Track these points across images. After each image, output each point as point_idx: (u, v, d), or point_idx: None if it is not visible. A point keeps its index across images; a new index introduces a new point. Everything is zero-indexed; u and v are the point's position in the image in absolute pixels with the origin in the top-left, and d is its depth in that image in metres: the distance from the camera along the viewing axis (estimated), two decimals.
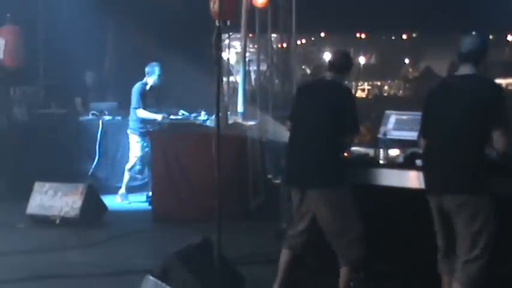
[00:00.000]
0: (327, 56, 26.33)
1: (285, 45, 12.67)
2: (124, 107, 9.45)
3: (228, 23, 5.91)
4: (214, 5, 6.19)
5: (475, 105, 4.24)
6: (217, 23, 3.76)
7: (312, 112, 4.91)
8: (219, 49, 3.62)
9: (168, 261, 4.80)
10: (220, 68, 3.63)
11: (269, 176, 9.29)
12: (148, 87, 8.82)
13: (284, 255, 5.05)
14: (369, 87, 32.62)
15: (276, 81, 11.79)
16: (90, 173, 9.44)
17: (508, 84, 28.06)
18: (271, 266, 5.52)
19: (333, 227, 4.84)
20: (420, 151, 4.65)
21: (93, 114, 9.82)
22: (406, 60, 32.32)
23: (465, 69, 4.40)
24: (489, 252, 4.24)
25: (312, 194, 4.84)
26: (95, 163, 9.50)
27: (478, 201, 4.22)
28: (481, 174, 4.26)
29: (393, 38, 30.54)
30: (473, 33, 4.76)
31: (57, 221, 7.60)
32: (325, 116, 4.84)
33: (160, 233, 7.50)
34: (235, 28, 10.45)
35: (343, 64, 5.06)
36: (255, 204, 8.43)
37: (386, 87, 32.47)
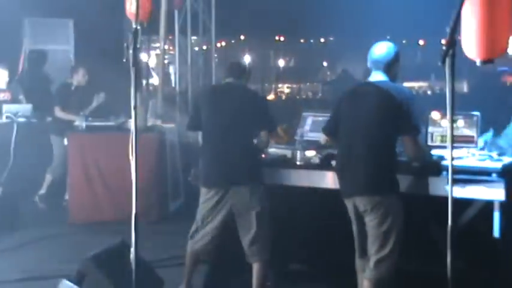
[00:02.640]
0: (247, 59, 26.52)
1: (204, 47, 12.70)
2: (41, 109, 9.21)
3: (145, 24, 5.91)
4: (130, 6, 6.14)
5: (385, 110, 4.35)
6: (133, 25, 3.74)
7: (225, 114, 5.00)
8: (136, 51, 3.60)
9: (84, 265, 4.74)
10: (137, 69, 3.61)
11: (189, 179, 9.28)
12: (73, 87, 8.67)
13: (191, 258, 5.15)
14: (288, 90, 33.04)
15: (196, 83, 11.80)
16: (4, 177, 9.16)
17: (420, 87, 28.93)
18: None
19: (249, 222, 4.96)
20: (334, 152, 4.77)
21: (7, 117, 9.52)
22: (324, 63, 32.86)
23: (377, 75, 4.51)
24: (398, 251, 4.38)
25: (236, 190, 4.94)
26: (9, 167, 9.22)
27: (389, 202, 4.35)
28: (391, 175, 4.40)
29: (311, 41, 31.04)
30: (387, 37, 4.88)
31: None
32: (239, 117, 4.97)
33: (76, 236, 7.38)
34: (156, 30, 10.41)
35: (241, 69, 5.25)
36: (175, 207, 8.42)
37: (304, 90, 32.92)
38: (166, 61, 12.36)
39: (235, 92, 5.13)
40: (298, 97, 29.37)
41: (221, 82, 5.42)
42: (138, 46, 3.70)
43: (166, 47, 11.77)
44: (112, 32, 11.05)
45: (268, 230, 5.02)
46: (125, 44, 3.53)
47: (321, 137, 4.84)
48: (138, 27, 3.67)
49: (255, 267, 5.01)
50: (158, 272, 5.23)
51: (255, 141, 5.09)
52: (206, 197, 5.07)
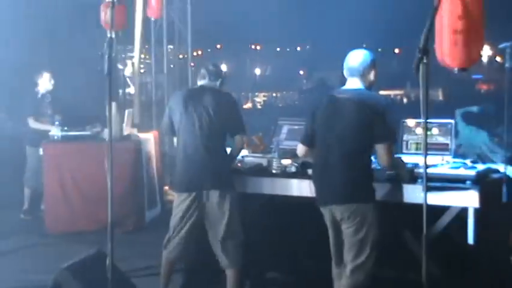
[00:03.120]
0: (223, 68, 26.50)
1: (181, 56, 12.71)
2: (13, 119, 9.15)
3: (120, 33, 5.90)
4: (106, 16, 6.13)
5: (360, 119, 4.35)
6: (108, 34, 3.73)
7: (197, 118, 4.98)
8: (110, 60, 3.59)
9: (60, 275, 4.69)
10: (111, 79, 3.60)
11: (165, 188, 9.27)
12: (39, 95, 8.59)
13: (166, 268, 5.14)
14: (265, 98, 33.12)
15: (172, 92, 11.77)
16: None
17: (395, 95, 29.15)
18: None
19: (219, 228, 4.96)
20: (310, 160, 4.78)
21: None
22: (301, 72, 32.99)
23: (352, 83, 4.53)
24: (374, 258, 4.40)
25: (206, 194, 4.94)
26: None
27: (365, 210, 4.37)
28: (367, 183, 4.41)
29: (288, 49, 31.17)
30: (363, 46, 4.88)
31: None
32: (211, 120, 4.96)
33: (52, 246, 7.31)
34: (132, 40, 10.39)
35: (218, 71, 5.21)
36: (151, 216, 8.39)
37: (281, 98, 33.02)
38: (142, 70, 12.30)
39: (208, 94, 5.08)
40: (274, 105, 29.49)
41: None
42: (113, 55, 3.69)
43: (142, 56, 11.76)
44: (87, 41, 11.01)
45: (239, 237, 5.01)
46: (100, 53, 3.51)
47: (299, 149, 4.79)
48: (113, 36, 3.67)
49: (228, 274, 5.01)
50: (134, 281, 5.20)
51: (228, 148, 5.10)
52: (178, 203, 5.07)
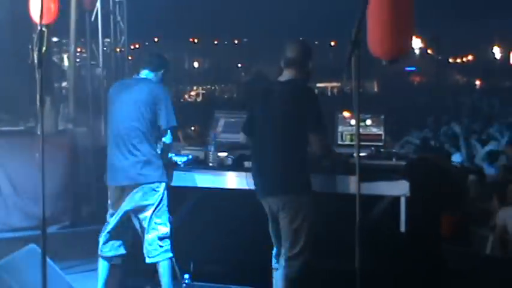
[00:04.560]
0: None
1: (118, 50, 12.54)
2: None
3: (51, 26, 5.80)
4: (35, 9, 6.01)
5: (294, 110, 4.41)
6: (39, 26, 3.68)
7: (125, 110, 4.93)
8: (40, 52, 3.53)
9: None
10: (42, 72, 3.55)
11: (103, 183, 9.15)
12: None
13: (102, 264, 5.11)
14: (203, 91, 33.05)
15: (109, 86, 11.63)
16: None
17: (332, 88, 29.47)
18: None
19: (144, 222, 4.94)
20: (247, 153, 4.81)
21: None
22: (239, 65, 33.03)
23: (288, 74, 4.56)
24: (310, 248, 4.46)
25: (133, 187, 4.89)
26: None
27: (300, 201, 4.42)
28: (302, 174, 4.46)
29: (225, 42, 31.16)
30: (300, 38, 4.92)
31: None
32: (142, 113, 4.89)
33: None
34: (68, 32, 10.21)
35: (160, 61, 5.14)
36: (87, 211, 8.29)
37: (220, 91, 33.00)
38: (78, 64, 12.10)
39: (140, 87, 5.00)
40: (212, 98, 29.45)
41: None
42: (45, 48, 3.63)
43: (78, 49, 11.57)
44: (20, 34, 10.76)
45: (165, 229, 4.98)
46: (30, 46, 3.44)
47: (240, 136, 4.82)
48: (44, 29, 3.61)
49: (158, 267, 4.98)
50: (70, 278, 5.14)
51: (159, 145, 5.04)
52: (109, 196, 5.01)
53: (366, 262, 4.11)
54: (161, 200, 4.94)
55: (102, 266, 5.11)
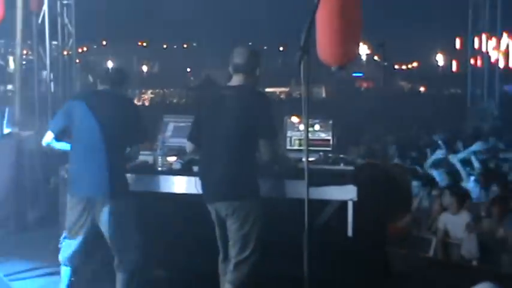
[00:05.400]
0: (110, 64, 26.04)
1: (65, 52, 12.39)
2: None
3: None
4: None
5: (244, 116, 4.42)
6: None
7: (98, 123, 4.78)
8: None
9: None
10: None
11: (50, 187, 9.01)
12: None
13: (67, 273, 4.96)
14: (152, 95, 32.83)
15: (56, 89, 11.49)
16: None
17: (280, 93, 29.60)
18: (50, 280, 5.42)
19: (114, 233, 4.82)
20: (196, 157, 4.80)
21: None
22: (188, 69, 32.93)
23: (237, 80, 4.58)
24: (258, 253, 4.48)
25: (98, 201, 4.77)
26: None
27: (249, 206, 4.43)
28: (251, 179, 4.48)
29: (174, 46, 31.04)
30: (249, 43, 4.94)
31: None
32: (112, 127, 4.79)
33: None
34: (14, 34, 10.05)
35: (122, 76, 5.06)
36: (34, 216, 8.16)
37: (169, 95, 32.83)
38: (24, 67, 11.91)
39: (111, 101, 4.91)
40: (161, 102, 29.25)
41: (95, 88, 5.11)
42: None
43: (24, 52, 11.40)
44: None
45: (133, 240, 4.86)
46: None
47: (187, 146, 4.79)
48: None
49: (120, 276, 4.89)
50: (15, 284, 5.06)
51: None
52: (70, 205, 4.90)
53: (313, 266, 4.17)
54: None
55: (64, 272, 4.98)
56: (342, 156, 5.23)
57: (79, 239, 4.89)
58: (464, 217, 7.33)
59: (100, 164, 4.78)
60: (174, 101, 30.17)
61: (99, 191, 4.79)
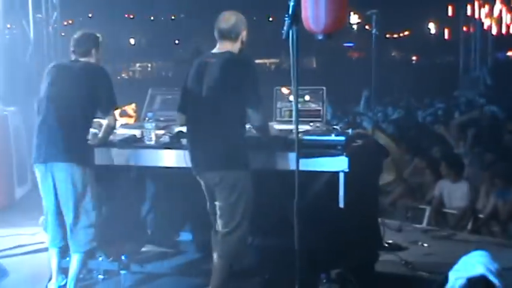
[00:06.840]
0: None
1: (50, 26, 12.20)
2: None
3: None
4: None
5: (230, 83, 4.31)
6: None
7: (64, 93, 4.68)
8: None
9: None
10: None
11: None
12: None
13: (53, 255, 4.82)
14: (139, 69, 32.59)
15: (42, 63, 11.32)
16: None
17: (271, 64, 29.41)
18: (37, 258, 5.35)
19: (67, 207, 4.66)
20: (184, 130, 4.70)
21: None
22: (176, 41, 32.60)
23: (223, 46, 4.44)
24: (246, 224, 4.41)
25: (58, 168, 4.61)
26: None
27: (236, 176, 4.36)
28: (239, 149, 4.39)
29: (162, 18, 30.73)
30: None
31: None
32: (79, 96, 4.67)
33: None
34: None
35: (87, 46, 4.85)
36: (21, 193, 8.07)
37: (157, 68, 32.60)
38: (7, 40, 11.72)
39: (77, 69, 4.77)
40: (149, 76, 29.08)
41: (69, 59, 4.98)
42: None
43: (8, 25, 11.21)
44: None
45: (90, 218, 4.68)
46: None
47: (177, 117, 4.68)
48: None
49: (75, 257, 4.70)
50: (3, 261, 5.00)
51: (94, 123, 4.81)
52: (36, 176, 4.76)
53: (304, 239, 4.12)
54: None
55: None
56: (333, 126, 5.15)
57: (50, 210, 4.72)
58: (462, 186, 7.34)
59: (55, 131, 4.60)
60: (163, 74, 29.95)
61: (50, 157, 4.59)
